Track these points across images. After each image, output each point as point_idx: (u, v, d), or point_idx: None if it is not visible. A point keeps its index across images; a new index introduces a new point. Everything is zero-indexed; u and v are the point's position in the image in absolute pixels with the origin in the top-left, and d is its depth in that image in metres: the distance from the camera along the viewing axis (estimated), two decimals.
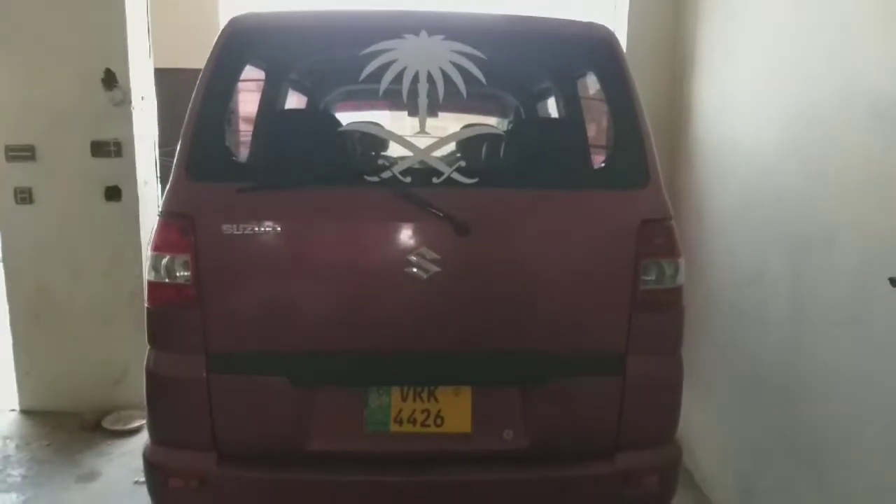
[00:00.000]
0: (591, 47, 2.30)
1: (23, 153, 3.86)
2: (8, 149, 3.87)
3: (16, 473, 3.48)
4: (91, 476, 3.45)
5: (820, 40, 2.36)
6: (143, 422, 3.89)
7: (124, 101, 3.84)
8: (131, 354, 4.06)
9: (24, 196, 3.91)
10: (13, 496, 3.26)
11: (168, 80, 4.63)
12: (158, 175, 4.22)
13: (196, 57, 5.56)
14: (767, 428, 2.67)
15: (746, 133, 2.90)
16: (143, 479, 3.27)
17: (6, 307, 4.14)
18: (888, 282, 1.85)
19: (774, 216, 2.62)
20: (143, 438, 3.71)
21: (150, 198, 4.11)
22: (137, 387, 4.07)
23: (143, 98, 3.99)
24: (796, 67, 2.51)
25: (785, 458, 2.53)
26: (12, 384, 4.20)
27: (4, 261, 4.11)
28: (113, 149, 3.88)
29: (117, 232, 3.97)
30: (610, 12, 3.83)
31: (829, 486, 2.26)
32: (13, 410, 4.18)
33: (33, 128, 3.86)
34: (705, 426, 3.30)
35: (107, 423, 3.95)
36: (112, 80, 3.80)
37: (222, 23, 5.62)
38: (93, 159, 3.88)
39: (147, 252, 2.13)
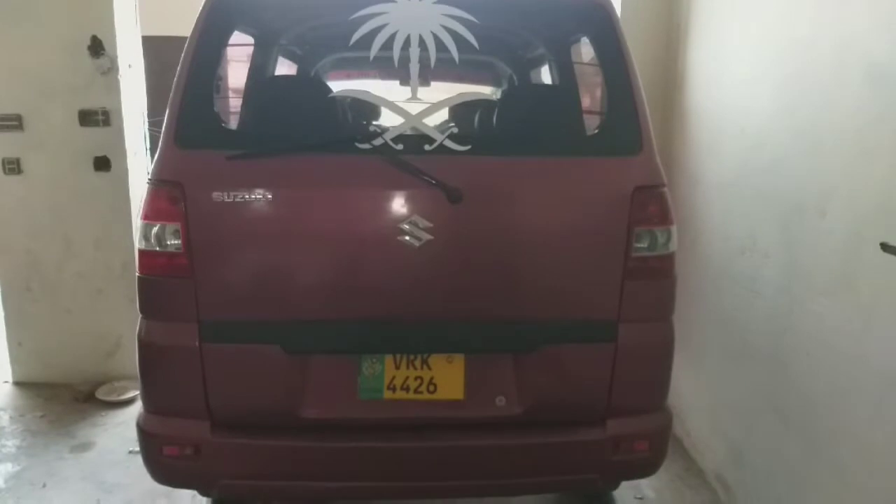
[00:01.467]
0: (585, 13, 2.27)
1: (10, 123, 3.81)
2: None
3: (10, 444, 3.49)
4: (85, 446, 3.47)
5: (810, 9, 2.34)
6: (137, 392, 3.91)
7: (111, 70, 3.79)
8: (124, 325, 4.08)
9: (13, 167, 3.87)
10: (8, 466, 3.27)
11: (155, 49, 4.56)
12: (148, 146, 4.19)
13: (184, 25, 5.48)
14: (757, 395, 2.70)
15: (739, 101, 2.89)
16: (137, 448, 3.32)
17: None
18: (879, 247, 1.85)
19: (767, 185, 2.62)
20: (137, 409, 3.73)
21: (140, 168, 4.08)
22: (130, 358, 4.06)
23: (130, 66, 3.94)
24: (789, 33, 2.49)
25: (774, 423, 2.56)
26: (5, 356, 4.20)
27: None
28: (101, 118, 3.83)
29: (107, 202, 3.95)
30: None
31: (818, 451, 2.28)
32: (6, 382, 4.19)
33: (20, 97, 3.81)
34: (696, 394, 3.33)
35: (100, 394, 3.97)
36: (99, 48, 3.74)
37: None
38: (81, 129, 3.84)
39: (138, 221, 2.11)
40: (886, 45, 1.95)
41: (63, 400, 3.95)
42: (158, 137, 2.12)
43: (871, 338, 2.00)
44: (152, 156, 3.99)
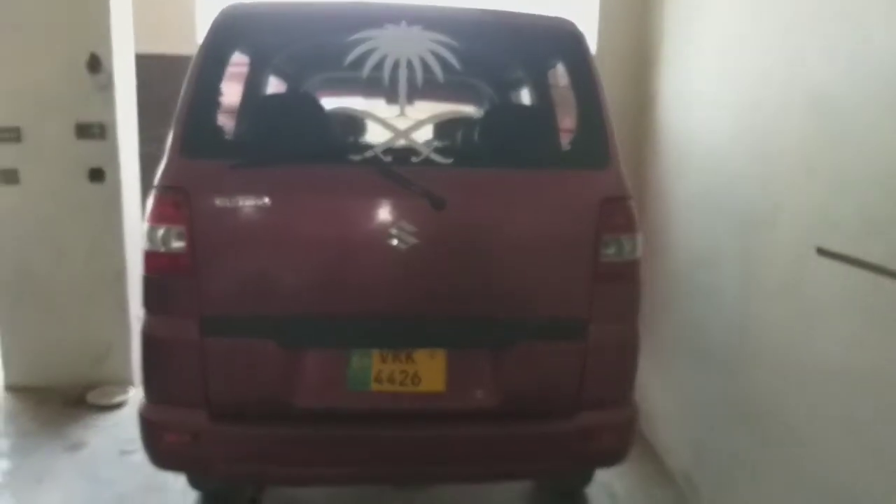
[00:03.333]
0: (558, 40, 2.49)
1: (8, 135, 3.94)
2: None
3: (4, 444, 3.59)
4: (78, 446, 3.57)
5: (764, 38, 2.58)
6: (127, 396, 4.05)
7: (108, 85, 3.94)
8: (114, 332, 4.21)
9: (10, 177, 4.00)
10: (4, 463, 3.38)
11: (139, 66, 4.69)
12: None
13: (167, 43, 5.63)
14: (717, 396, 2.90)
15: (703, 123, 3.12)
16: (129, 448, 3.45)
17: None
18: (817, 252, 2.07)
19: (726, 199, 2.84)
20: (127, 412, 3.88)
21: (132, 179, 4.22)
22: (121, 363, 4.23)
23: (125, 82, 4.10)
24: (744, 62, 2.73)
25: (732, 422, 2.76)
26: None
27: None
28: (97, 131, 3.97)
29: (100, 213, 4.07)
30: (582, 10, 4.04)
31: (770, 444, 2.48)
32: None
33: (19, 110, 3.95)
34: (664, 399, 3.53)
35: (91, 398, 4.06)
36: (96, 65, 3.90)
37: (198, 10, 5.71)
38: (77, 141, 3.98)
39: (130, 230, 2.25)
40: (826, 74, 2.17)
41: (54, 403, 4.05)
42: (146, 150, 2.27)
43: (814, 338, 2.21)
44: (141, 168, 4.15)
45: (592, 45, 3.84)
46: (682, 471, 3.27)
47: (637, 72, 3.92)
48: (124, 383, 4.23)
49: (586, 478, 3.06)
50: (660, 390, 3.56)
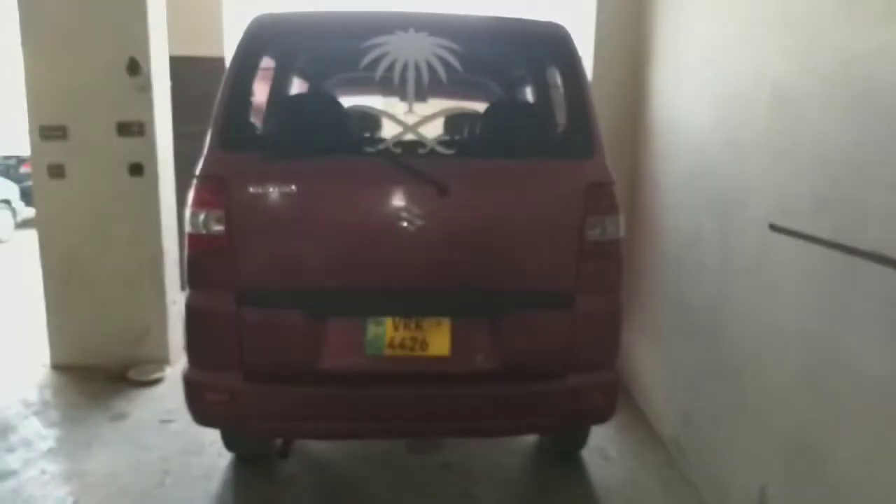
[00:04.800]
0: (548, 42, 2.79)
1: (56, 133, 4.33)
2: (42, 129, 4.35)
3: (55, 414, 3.96)
4: (121, 416, 3.94)
5: (736, 38, 2.87)
6: (164, 373, 4.41)
7: (147, 87, 4.30)
8: (152, 314, 4.58)
9: (57, 171, 4.38)
10: (55, 431, 3.75)
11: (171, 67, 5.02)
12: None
13: (196, 46, 5.95)
14: (701, 363, 3.18)
15: (687, 116, 3.41)
16: (168, 418, 3.81)
17: (40, 272, 4.60)
18: (770, 229, 2.35)
19: (706, 185, 3.12)
20: (165, 387, 4.24)
21: (168, 174, 4.58)
22: (158, 343, 4.61)
23: (162, 84, 4.45)
24: (719, 61, 3.02)
25: (713, 386, 3.04)
26: (44, 342, 4.67)
27: (38, 230, 4.58)
28: (136, 129, 4.34)
29: (140, 204, 4.45)
30: (580, 13, 4.33)
31: (743, 403, 2.76)
32: (45, 366, 4.66)
33: (65, 110, 4.34)
34: (656, 369, 3.81)
35: (131, 375, 4.43)
36: (136, 68, 4.25)
37: (226, 15, 6.06)
38: (118, 138, 4.35)
39: (187, 210, 2.58)
40: (786, 69, 2.45)
41: (98, 380, 4.42)
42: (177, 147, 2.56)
43: (776, 305, 2.49)
44: (175, 163, 4.49)
45: (590, 47, 4.14)
46: (670, 436, 3.55)
47: (633, 68, 4.20)
48: (162, 361, 4.59)
49: (581, 441, 3.36)
50: (652, 361, 3.85)
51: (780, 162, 2.48)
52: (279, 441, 2.95)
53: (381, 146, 2.57)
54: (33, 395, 4.21)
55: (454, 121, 3.39)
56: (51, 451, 3.50)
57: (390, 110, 2.78)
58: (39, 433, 3.70)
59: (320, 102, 3.23)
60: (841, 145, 2.13)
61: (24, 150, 4.37)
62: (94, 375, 4.48)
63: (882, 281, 1.88)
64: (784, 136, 2.46)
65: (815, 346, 2.24)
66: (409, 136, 2.60)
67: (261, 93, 3.21)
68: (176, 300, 4.61)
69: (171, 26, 4.64)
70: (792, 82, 2.41)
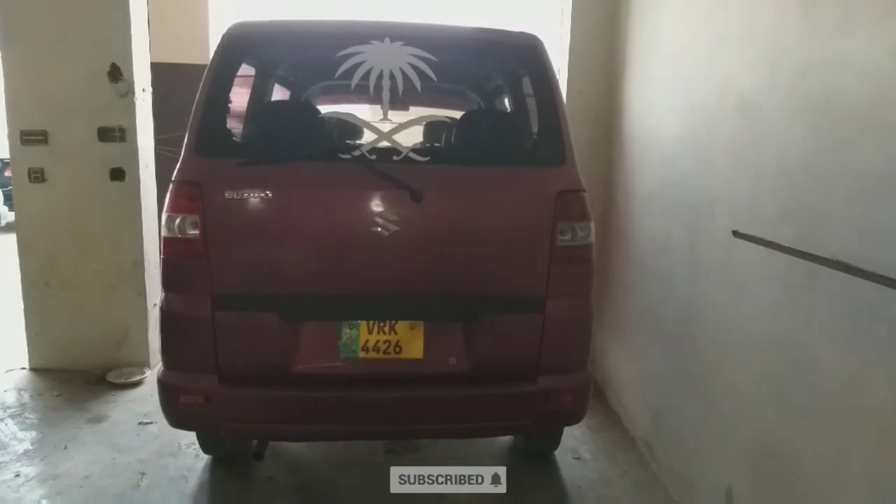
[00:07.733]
0: (521, 52, 2.85)
1: (36, 137, 4.35)
2: (23, 133, 4.36)
3: (32, 417, 3.97)
4: (99, 419, 3.94)
5: (704, 52, 2.95)
6: (144, 376, 4.42)
7: (129, 93, 4.32)
8: (132, 318, 4.59)
9: (37, 176, 4.39)
10: (33, 433, 3.75)
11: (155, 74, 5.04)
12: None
13: (183, 53, 5.96)
14: (671, 367, 3.25)
15: (658, 128, 3.49)
16: (146, 420, 3.82)
17: (19, 275, 4.60)
18: (733, 235, 2.42)
19: (677, 195, 3.20)
20: (144, 390, 4.25)
21: (149, 179, 4.60)
22: (138, 346, 4.62)
23: (143, 90, 4.48)
24: (688, 74, 3.10)
25: (682, 388, 3.11)
26: (22, 345, 4.67)
27: (18, 234, 4.58)
28: (118, 135, 4.36)
29: (121, 209, 4.46)
30: (556, 25, 4.41)
31: (710, 404, 2.82)
32: (23, 369, 4.66)
33: (46, 115, 4.35)
34: (629, 373, 3.88)
35: (110, 378, 4.45)
36: (117, 74, 4.28)
37: (212, 22, 6.08)
38: (99, 144, 4.37)
39: (163, 215, 2.62)
40: (751, 83, 2.53)
41: (77, 382, 4.43)
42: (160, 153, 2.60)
43: (741, 311, 2.56)
44: (161, 168, 4.51)
45: (566, 60, 4.22)
46: (642, 437, 3.62)
47: (606, 79, 4.29)
48: (141, 364, 4.61)
49: (554, 442, 3.42)
50: (624, 364, 3.92)
51: (746, 172, 2.55)
52: (254, 442, 2.99)
53: (355, 153, 2.62)
54: (11, 398, 4.21)
55: (430, 129, 3.46)
56: (26, 453, 3.51)
57: (370, 119, 2.83)
58: (15, 436, 3.71)
59: (296, 109, 3.28)
60: (803, 155, 2.19)
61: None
62: (74, 378, 4.49)
63: (842, 286, 1.94)
64: (749, 146, 2.53)
65: (779, 349, 2.31)
66: (385, 144, 2.65)
67: (243, 100, 3.25)
68: (157, 303, 4.61)
69: (157, 33, 4.67)
70: (756, 95, 2.49)
